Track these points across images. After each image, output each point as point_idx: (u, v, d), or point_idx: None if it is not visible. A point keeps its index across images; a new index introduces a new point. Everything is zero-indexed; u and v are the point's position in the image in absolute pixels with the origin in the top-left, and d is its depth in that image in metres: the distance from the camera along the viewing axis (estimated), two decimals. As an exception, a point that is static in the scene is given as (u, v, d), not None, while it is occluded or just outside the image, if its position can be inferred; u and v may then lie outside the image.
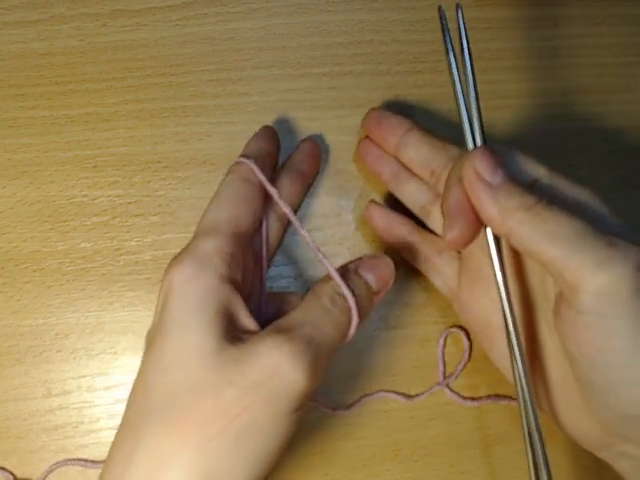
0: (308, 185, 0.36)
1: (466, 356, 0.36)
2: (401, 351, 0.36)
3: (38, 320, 0.34)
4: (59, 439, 0.34)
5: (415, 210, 0.34)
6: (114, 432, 0.33)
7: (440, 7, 0.29)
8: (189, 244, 0.28)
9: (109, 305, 0.35)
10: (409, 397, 0.35)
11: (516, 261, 0.31)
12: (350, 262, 0.29)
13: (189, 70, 0.36)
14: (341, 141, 0.37)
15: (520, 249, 0.27)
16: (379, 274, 0.29)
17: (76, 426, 0.34)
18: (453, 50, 0.29)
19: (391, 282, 0.29)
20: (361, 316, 0.27)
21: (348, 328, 0.27)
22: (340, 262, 0.35)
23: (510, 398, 0.36)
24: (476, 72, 0.37)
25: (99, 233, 0.35)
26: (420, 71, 0.38)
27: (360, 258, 0.29)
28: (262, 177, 0.30)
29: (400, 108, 0.37)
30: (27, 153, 0.35)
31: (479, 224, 0.28)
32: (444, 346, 0.36)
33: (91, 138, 0.36)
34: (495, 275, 0.28)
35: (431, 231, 0.34)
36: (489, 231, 0.28)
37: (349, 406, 0.35)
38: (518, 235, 0.26)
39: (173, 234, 0.35)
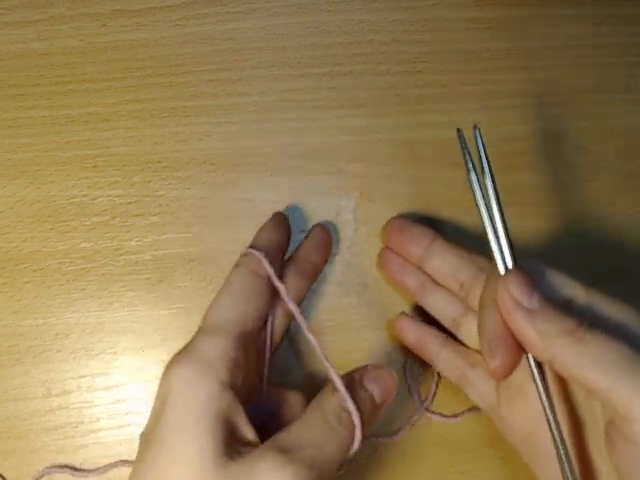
0: (317, 276, 0.35)
1: (436, 375, 0.35)
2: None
3: (38, 320, 0.34)
4: (59, 439, 0.34)
5: (445, 322, 0.33)
6: (114, 432, 0.34)
7: (459, 130, 0.28)
8: (193, 341, 0.27)
9: (109, 305, 0.35)
10: (393, 434, 0.35)
11: (560, 382, 0.29)
12: (355, 371, 0.28)
13: (189, 70, 0.36)
14: (341, 141, 0.37)
15: (564, 375, 0.26)
16: (383, 386, 0.28)
17: (76, 426, 0.34)
18: (475, 170, 0.28)
19: (394, 394, 0.29)
20: (364, 431, 0.26)
21: (351, 444, 0.26)
22: (341, 262, 0.36)
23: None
24: (478, 72, 0.38)
25: (99, 233, 0.35)
26: (420, 71, 0.38)
27: (365, 367, 0.29)
28: (271, 272, 0.30)
29: (419, 218, 0.36)
30: (27, 153, 0.35)
31: (520, 349, 0.27)
32: (411, 375, 0.35)
33: (91, 138, 0.36)
34: (541, 399, 0.27)
35: (462, 342, 0.33)
36: (531, 357, 0.27)
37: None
38: (561, 362, 0.25)
39: (173, 234, 0.35)
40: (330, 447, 0.25)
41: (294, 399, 0.31)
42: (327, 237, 0.35)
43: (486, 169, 0.28)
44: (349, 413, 0.26)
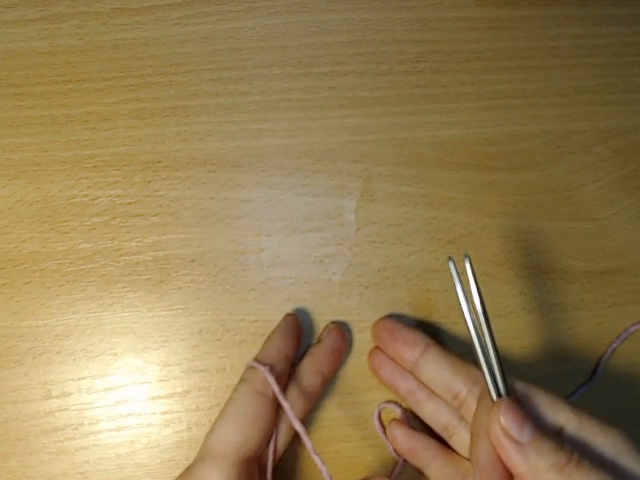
0: (325, 385, 0.33)
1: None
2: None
3: (38, 321, 0.34)
4: (59, 441, 0.34)
5: (437, 429, 0.33)
6: (114, 434, 0.34)
7: (450, 257, 0.28)
8: (193, 469, 0.27)
9: (109, 306, 0.35)
10: None
11: None
12: None
13: (190, 69, 0.36)
14: (342, 141, 0.37)
15: None
16: None
17: (76, 428, 0.34)
18: (467, 300, 0.28)
19: None
20: None
21: None
22: (341, 263, 0.36)
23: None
24: (479, 72, 0.38)
25: (99, 234, 0.35)
26: (421, 71, 0.38)
27: None
28: (277, 390, 0.29)
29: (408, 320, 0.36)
30: (26, 153, 0.35)
31: (512, 476, 0.27)
32: (382, 426, 0.35)
33: (91, 138, 0.35)
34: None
35: (454, 449, 0.33)
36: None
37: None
38: None
39: (174, 234, 0.35)
40: None
41: None
42: (340, 343, 0.34)
43: (477, 299, 0.28)
44: None
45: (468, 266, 0.28)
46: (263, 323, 0.35)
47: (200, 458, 0.28)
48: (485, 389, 0.28)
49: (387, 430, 0.34)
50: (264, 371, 0.29)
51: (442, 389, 0.31)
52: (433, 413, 0.32)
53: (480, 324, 0.28)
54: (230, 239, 0.36)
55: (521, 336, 0.36)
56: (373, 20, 0.37)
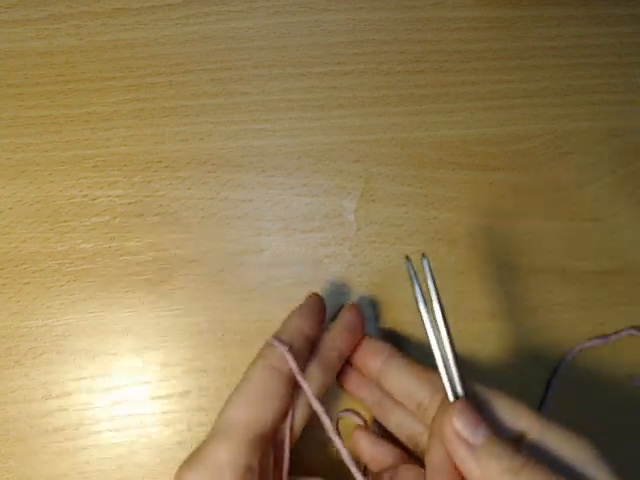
0: (341, 364, 0.33)
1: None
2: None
3: (38, 321, 0.34)
4: (59, 441, 0.34)
5: (402, 438, 0.32)
6: (114, 434, 0.34)
7: (407, 257, 0.28)
8: (205, 445, 0.27)
9: (109, 306, 0.35)
10: None
11: None
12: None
13: (190, 69, 0.36)
14: (343, 141, 0.37)
15: None
16: None
17: (76, 428, 0.34)
18: (424, 299, 0.27)
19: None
20: None
21: None
22: (341, 263, 0.36)
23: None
24: (479, 72, 0.38)
25: (99, 234, 0.35)
26: (422, 71, 0.37)
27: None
28: (296, 370, 0.28)
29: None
30: (26, 153, 0.35)
31: None
32: (339, 434, 0.34)
33: (91, 138, 0.35)
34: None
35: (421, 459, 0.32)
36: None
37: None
38: None
39: (174, 234, 0.35)
40: None
41: None
42: (356, 320, 0.33)
43: (434, 298, 0.27)
44: None
45: (426, 266, 0.27)
46: (263, 323, 0.35)
47: (212, 435, 0.27)
48: (444, 399, 0.27)
49: (352, 436, 0.33)
50: (282, 349, 0.29)
51: (405, 397, 0.31)
52: (398, 423, 0.32)
53: (437, 324, 0.27)
54: (230, 239, 0.36)
55: (521, 336, 0.36)
56: (373, 20, 0.37)
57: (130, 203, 0.35)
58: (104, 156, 0.35)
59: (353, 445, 0.33)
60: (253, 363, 0.29)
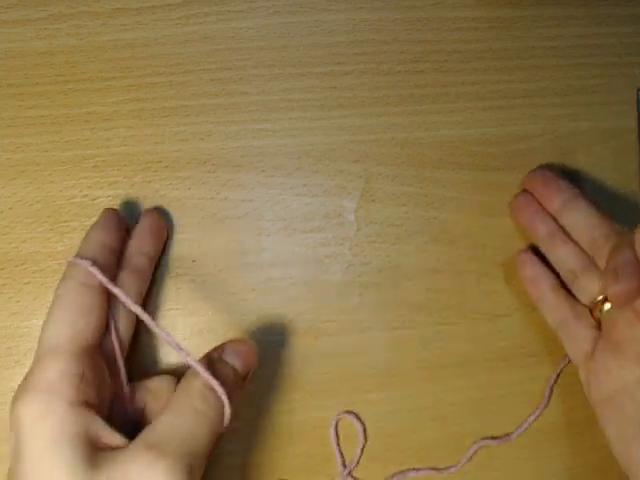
0: (154, 266, 0.34)
1: (361, 439, 0.35)
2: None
3: (38, 321, 0.34)
4: (59, 441, 0.34)
5: (562, 272, 0.34)
6: (115, 434, 0.34)
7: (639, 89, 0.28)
8: (32, 369, 0.26)
9: (109, 306, 0.35)
10: None
11: None
12: (212, 350, 0.29)
13: (190, 69, 0.36)
14: (342, 141, 0.37)
15: None
16: (244, 356, 0.29)
17: (76, 428, 0.34)
18: None
19: (256, 361, 0.30)
20: (232, 404, 0.27)
21: (222, 421, 0.27)
22: (341, 263, 0.36)
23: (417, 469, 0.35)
24: (479, 72, 0.38)
25: (99, 234, 0.35)
26: (422, 71, 0.37)
27: (222, 344, 0.29)
28: (104, 280, 0.28)
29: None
30: (26, 153, 0.35)
31: None
32: (337, 434, 0.35)
33: (91, 138, 0.35)
34: None
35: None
36: None
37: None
38: None
39: (174, 234, 0.35)
40: (200, 431, 0.26)
41: (162, 385, 0.30)
42: (158, 222, 0.34)
43: None
44: (213, 391, 0.26)
45: None
46: (264, 323, 0.35)
47: (37, 359, 0.27)
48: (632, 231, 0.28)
49: (517, 259, 0.35)
50: (85, 265, 0.28)
51: (583, 231, 0.32)
52: (564, 256, 0.33)
53: None
54: (230, 239, 0.36)
55: (523, 335, 0.36)
56: (373, 20, 0.37)
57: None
58: (104, 156, 0.35)
59: (519, 267, 0.35)
60: (59, 285, 0.29)
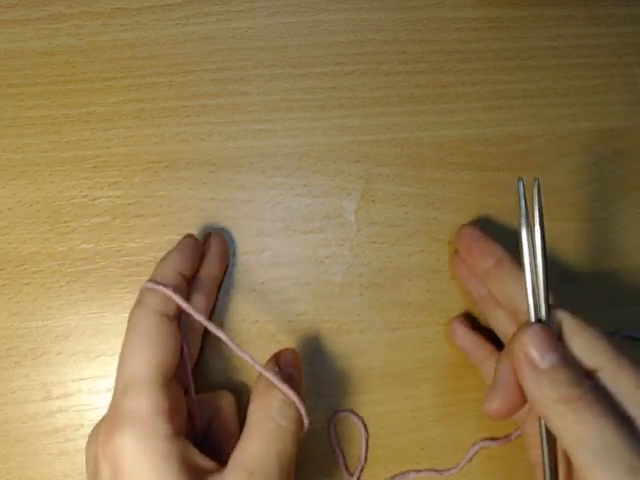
0: (220, 282, 0.35)
1: (364, 441, 0.35)
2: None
3: (38, 322, 0.34)
4: (60, 442, 0.34)
5: (500, 335, 0.34)
6: (115, 435, 0.34)
7: (520, 179, 0.28)
8: (119, 402, 0.26)
9: (110, 307, 0.35)
10: None
11: None
12: (269, 362, 0.30)
13: (190, 69, 0.36)
14: (343, 141, 0.37)
15: (553, 432, 0.26)
16: (296, 364, 0.30)
17: (77, 429, 0.34)
18: (527, 222, 0.28)
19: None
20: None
21: (303, 430, 0.28)
22: (341, 263, 0.36)
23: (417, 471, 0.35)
24: (479, 72, 0.38)
25: (99, 234, 0.35)
26: (422, 71, 0.37)
27: (275, 357, 0.30)
28: (186, 306, 0.28)
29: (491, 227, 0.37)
30: (26, 153, 0.35)
31: (523, 398, 0.27)
32: (335, 435, 0.35)
33: (91, 138, 0.35)
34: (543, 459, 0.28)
35: None
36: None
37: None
38: (552, 426, 0.25)
39: (174, 235, 0.35)
40: (288, 447, 0.26)
41: (227, 400, 0.31)
42: (225, 248, 0.35)
43: (537, 221, 0.28)
44: (291, 405, 0.27)
45: (536, 188, 0.28)
46: (264, 324, 0.35)
47: (122, 392, 0.26)
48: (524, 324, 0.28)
49: (449, 327, 0.35)
50: (165, 290, 0.28)
51: (506, 302, 0.32)
52: (498, 320, 0.34)
53: (535, 248, 0.28)
54: (230, 239, 0.35)
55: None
56: (373, 20, 0.37)
57: (130, 204, 0.35)
58: (104, 156, 0.35)
59: (451, 335, 0.35)
60: (135, 312, 0.28)
